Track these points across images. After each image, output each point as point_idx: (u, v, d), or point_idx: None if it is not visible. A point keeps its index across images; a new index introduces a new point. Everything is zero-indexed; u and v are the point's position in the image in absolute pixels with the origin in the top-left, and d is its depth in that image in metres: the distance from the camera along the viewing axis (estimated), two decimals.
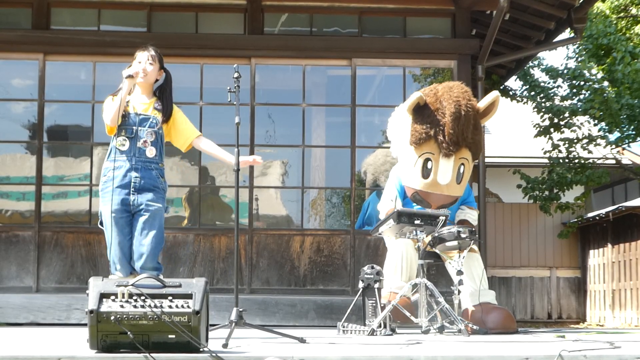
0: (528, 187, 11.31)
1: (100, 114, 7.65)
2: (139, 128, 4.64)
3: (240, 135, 4.59)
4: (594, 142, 11.13)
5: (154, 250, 4.56)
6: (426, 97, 5.87)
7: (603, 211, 12.29)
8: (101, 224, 4.66)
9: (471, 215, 6.18)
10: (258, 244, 7.62)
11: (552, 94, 11.36)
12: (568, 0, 7.98)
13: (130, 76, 4.57)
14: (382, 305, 5.27)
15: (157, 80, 4.79)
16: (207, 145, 4.84)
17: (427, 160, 5.88)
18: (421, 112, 5.86)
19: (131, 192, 4.59)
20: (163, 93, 4.79)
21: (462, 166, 5.94)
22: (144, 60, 4.71)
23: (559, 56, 40.59)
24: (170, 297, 3.28)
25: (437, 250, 5.60)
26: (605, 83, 11.24)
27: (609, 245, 12.27)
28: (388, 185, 6.21)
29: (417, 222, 5.30)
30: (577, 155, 11.20)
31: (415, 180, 5.92)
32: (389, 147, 6.41)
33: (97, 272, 7.34)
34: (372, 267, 5.38)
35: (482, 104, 6.01)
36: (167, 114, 4.75)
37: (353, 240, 7.66)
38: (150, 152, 4.64)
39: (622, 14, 13.58)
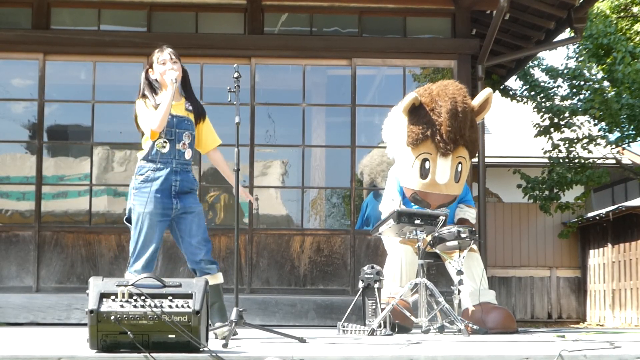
0: (528, 187, 11.31)
1: (100, 114, 7.76)
2: (177, 130, 4.64)
3: (240, 135, 4.59)
4: (594, 142, 11.13)
5: (208, 249, 4.64)
6: (421, 98, 5.87)
7: (603, 211, 12.29)
8: (127, 220, 4.65)
9: (470, 214, 6.18)
10: (258, 244, 7.62)
11: (552, 94, 11.36)
12: (568, 0, 7.98)
13: (176, 80, 4.57)
14: (382, 306, 5.27)
15: None
16: (218, 158, 4.90)
17: (424, 160, 5.87)
18: (417, 112, 5.86)
19: (172, 195, 4.60)
20: (186, 91, 4.80)
21: (460, 165, 5.94)
22: (168, 60, 4.69)
23: (559, 56, 40.64)
24: (170, 297, 3.28)
25: (437, 250, 5.60)
26: (605, 83, 11.24)
27: (609, 245, 12.27)
28: (388, 186, 6.21)
29: (417, 222, 5.30)
30: (577, 155, 11.20)
31: (414, 181, 5.92)
32: (386, 148, 6.40)
33: (97, 272, 7.34)
34: (372, 267, 5.38)
35: (476, 101, 6.01)
36: (200, 111, 4.76)
37: (353, 240, 7.66)
38: (188, 154, 4.67)
39: (622, 14, 13.58)
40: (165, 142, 4.60)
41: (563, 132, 11.31)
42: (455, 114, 5.76)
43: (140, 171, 4.62)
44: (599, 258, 12.60)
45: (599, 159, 11.39)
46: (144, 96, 4.67)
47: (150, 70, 4.77)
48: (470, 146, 5.96)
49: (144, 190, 4.57)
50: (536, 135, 11.44)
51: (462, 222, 6.07)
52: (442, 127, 5.75)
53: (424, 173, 5.88)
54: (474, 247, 5.79)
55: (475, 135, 6.02)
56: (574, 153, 11.20)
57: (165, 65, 4.67)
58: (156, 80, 4.72)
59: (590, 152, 11.16)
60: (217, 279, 4.66)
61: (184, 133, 4.66)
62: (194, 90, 4.91)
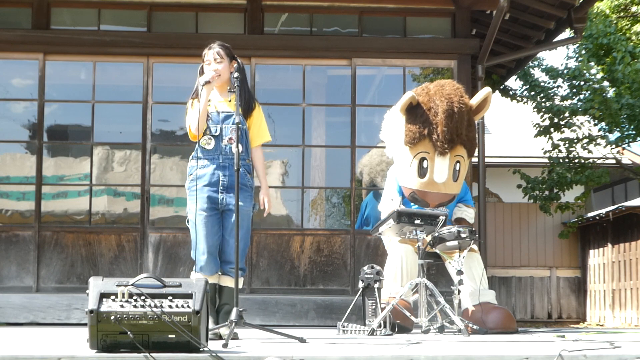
0: (528, 187, 11.31)
1: (100, 114, 7.76)
2: (223, 126, 4.69)
3: None
4: (594, 142, 11.13)
5: (242, 252, 4.64)
6: (418, 97, 5.88)
7: (603, 211, 12.30)
8: (188, 222, 4.71)
9: (468, 213, 6.18)
10: (258, 244, 7.62)
11: (552, 94, 11.37)
12: (568, 0, 7.98)
13: (207, 82, 4.58)
14: (382, 306, 5.27)
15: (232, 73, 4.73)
16: (256, 157, 4.87)
17: (422, 159, 5.88)
18: (414, 111, 5.87)
19: (220, 190, 4.65)
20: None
21: (458, 164, 5.95)
22: (212, 60, 4.72)
23: (559, 56, 40.65)
24: (170, 297, 3.28)
25: (437, 250, 5.60)
26: (605, 83, 11.25)
27: (609, 245, 12.27)
28: (387, 186, 6.21)
29: (417, 222, 5.30)
30: (577, 155, 11.20)
31: (412, 180, 5.92)
32: (385, 148, 6.41)
33: (97, 272, 7.35)
34: (372, 267, 5.38)
35: (474, 100, 6.02)
36: (245, 105, 4.71)
37: (353, 240, 7.66)
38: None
39: (622, 14, 13.58)
40: (210, 138, 4.67)
41: (563, 132, 11.31)
42: (452, 114, 5.77)
43: (189, 171, 4.74)
44: (599, 258, 12.60)
45: (599, 159, 11.39)
46: (195, 96, 4.74)
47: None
48: (468, 145, 5.96)
49: (192, 189, 4.68)
50: (536, 135, 11.44)
51: (459, 221, 6.08)
52: (439, 127, 5.76)
53: (422, 172, 5.89)
54: (474, 247, 5.79)
55: (473, 134, 6.02)
56: (574, 153, 11.20)
57: (209, 66, 4.72)
58: None
59: (590, 152, 11.16)
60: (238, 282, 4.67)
61: (230, 128, 4.68)
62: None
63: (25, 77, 7.91)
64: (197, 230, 4.65)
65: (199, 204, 4.64)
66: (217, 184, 4.66)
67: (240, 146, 4.64)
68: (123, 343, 3.22)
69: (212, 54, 4.75)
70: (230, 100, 4.75)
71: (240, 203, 4.62)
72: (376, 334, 4.97)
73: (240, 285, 4.66)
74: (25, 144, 7.89)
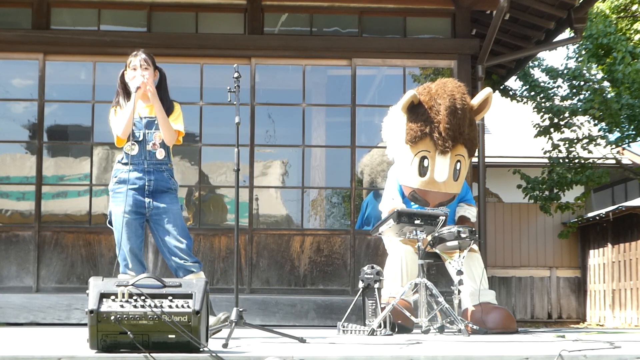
0: (528, 187, 11.31)
1: (100, 114, 7.76)
2: (146, 131, 4.72)
3: (240, 135, 4.60)
4: (594, 142, 11.13)
5: (188, 246, 4.66)
6: (420, 96, 5.88)
7: (603, 211, 12.30)
8: (110, 223, 4.73)
9: (470, 212, 6.18)
10: (258, 244, 7.62)
11: (552, 94, 11.37)
12: (568, 0, 7.99)
13: (139, 88, 4.62)
14: (382, 306, 5.27)
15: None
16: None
17: (423, 158, 5.88)
18: (416, 110, 5.87)
19: (145, 194, 4.67)
20: (160, 93, 4.81)
21: (459, 163, 5.94)
22: (138, 66, 4.74)
23: (559, 56, 40.66)
24: (170, 297, 3.28)
25: (437, 250, 5.60)
26: (605, 83, 11.25)
27: (609, 245, 12.27)
28: (387, 186, 6.22)
29: (417, 222, 5.30)
30: (577, 155, 11.20)
31: (413, 178, 5.92)
32: (386, 148, 6.41)
33: (97, 272, 7.35)
34: (372, 267, 5.38)
35: (475, 100, 6.02)
36: (166, 110, 4.75)
37: (353, 240, 7.66)
38: (160, 154, 4.72)
39: (622, 14, 13.58)
40: (133, 144, 4.69)
41: (563, 132, 11.31)
42: (454, 111, 5.77)
43: (114, 174, 4.75)
44: (599, 258, 12.60)
45: (599, 159, 11.39)
46: (117, 103, 4.80)
47: (125, 72, 4.84)
48: (469, 144, 5.96)
49: (117, 191, 4.69)
50: (536, 135, 11.44)
51: (463, 219, 6.08)
52: (441, 124, 5.76)
53: (422, 171, 5.89)
54: (474, 247, 5.80)
55: (474, 133, 6.02)
56: (574, 153, 11.21)
57: (135, 72, 4.74)
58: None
59: (590, 152, 11.16)
60: (200, 277, 4.67)
61: (154, 134, 4.72)
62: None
63: (25, 77, 7.91)
64: (121, 231, 4.64)
65: (122, 206, 4.61)
66: (143, 188, 4.68)
67: (162, 151, 4.69)
68: (123, 343, 3.22)
69: (139, 60, 4.76)
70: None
71: (169, 205, 4.67)
72: (376, 334, 4.97)
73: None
74: (25, 144, 7.89)
